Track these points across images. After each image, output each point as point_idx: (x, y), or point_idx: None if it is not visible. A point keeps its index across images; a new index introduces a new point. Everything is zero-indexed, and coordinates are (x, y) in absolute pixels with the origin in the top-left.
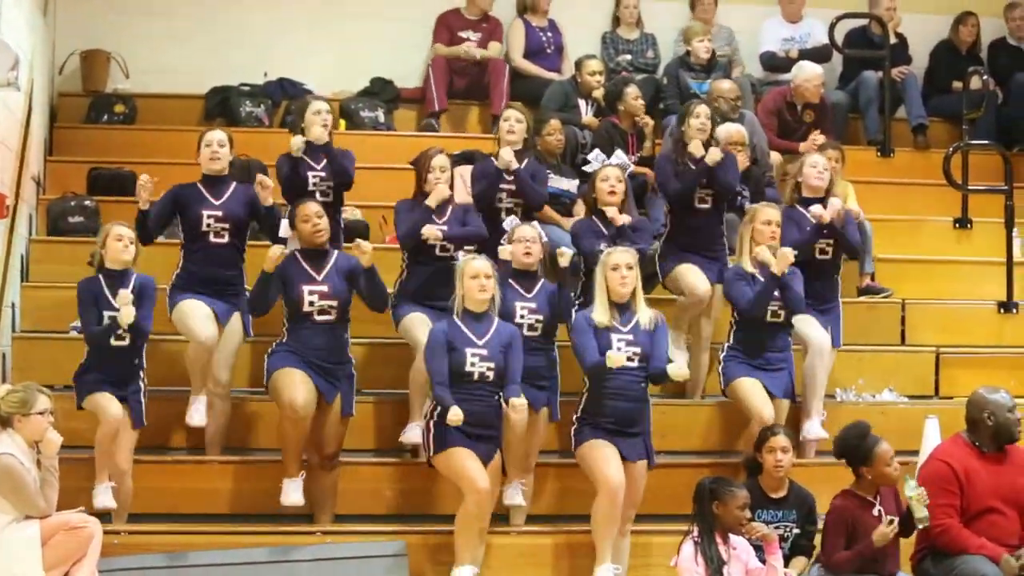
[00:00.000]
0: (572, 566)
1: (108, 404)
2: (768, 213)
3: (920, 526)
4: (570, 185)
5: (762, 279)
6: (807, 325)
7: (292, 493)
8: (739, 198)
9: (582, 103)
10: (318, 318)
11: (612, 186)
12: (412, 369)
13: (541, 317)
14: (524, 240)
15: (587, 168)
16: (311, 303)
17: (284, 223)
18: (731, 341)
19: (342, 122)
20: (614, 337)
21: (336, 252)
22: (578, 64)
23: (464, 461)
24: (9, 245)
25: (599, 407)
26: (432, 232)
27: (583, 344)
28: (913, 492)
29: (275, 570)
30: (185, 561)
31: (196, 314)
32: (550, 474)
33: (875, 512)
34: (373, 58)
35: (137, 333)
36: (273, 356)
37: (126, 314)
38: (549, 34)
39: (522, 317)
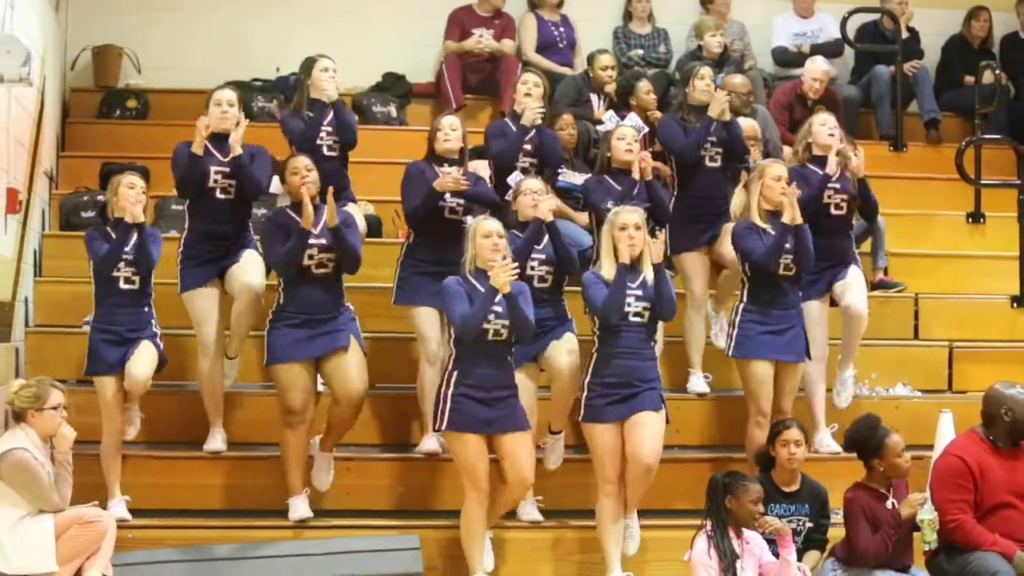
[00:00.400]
0: (583, 560)
1: (111, 397)
2: (777, 169)
3: (926, 548)
4: (582, 179)
5: (773, 232)
6: (814, 325)
7: (299, 508)
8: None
9: (594, 98)
10: (316, 271)
11: (629, 144)
12: (418, 380)
13: (551, 268)
14: (531, 191)
15: (601, 128)
16: (310, 256)
17: (275, 179)
18: (745, 300)
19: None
20: None
21: (323, 206)
22: (590, 59)
23: (474, 459)
24: (22, 240)
25: (609, 366)
26: (448, 182)
27: (594, 294)
28: (927, 516)
29: (289, 564)
30: (198, 555)
31: (205, 310)
32: (561, 469)
33: (888, 504)
34: (385, 53)
35: (144, 261)
36: (273, 333)
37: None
38: (561, 29)
39: (532, 269)
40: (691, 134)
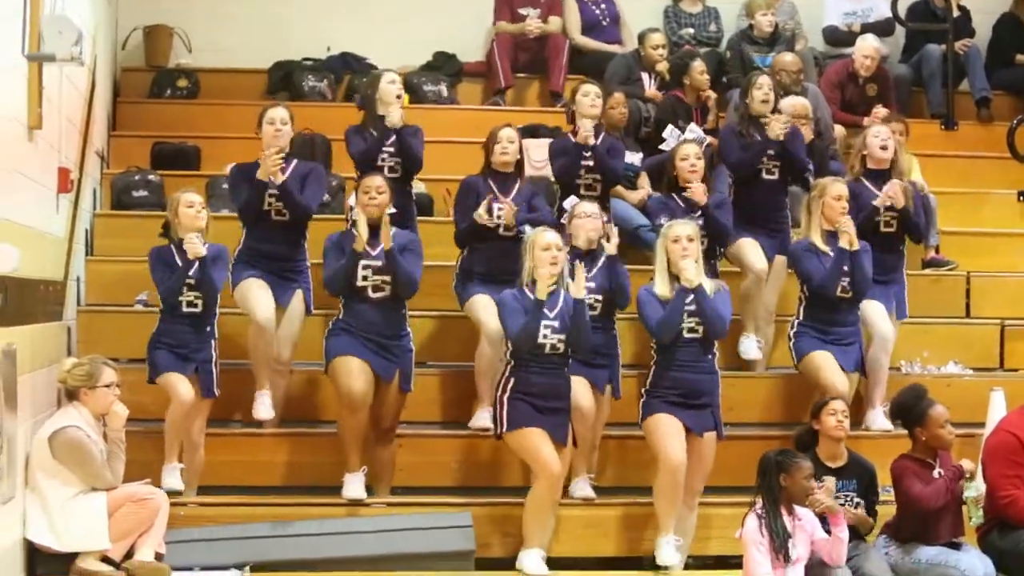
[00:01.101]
0: (635, 537)
1: (178, 384)
2: (839, 188)
3: (972, 524)
4: (634, 158)
5: (832, 253)
6: (874, 313)
7: (354, 487)
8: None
9: (645, 76)
10: (373, 295)
11: (692, 164)
12: (477, 354)
13: (601, 297)
14: (585, 215)
15: (663, 147)
16: (364, 277)
17: (353, 195)
18: (801, 317)
19: (405, 96)
20: None
21: (394, 229)
22: (641, 37)
23: (538, 444)
24: (74, 219)
25: (667, 379)
26: (484, 218)
27: (649, 313)
28: (974, 493)
29: (341, 541)
30: (251, 533)
31: (257, 294)
32: (613, 446)
33: (935, 474)
34: (436, 32)
35: (208, 288)
36: (331, 338)
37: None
38: (602, 5)
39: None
40: (747, 151)
